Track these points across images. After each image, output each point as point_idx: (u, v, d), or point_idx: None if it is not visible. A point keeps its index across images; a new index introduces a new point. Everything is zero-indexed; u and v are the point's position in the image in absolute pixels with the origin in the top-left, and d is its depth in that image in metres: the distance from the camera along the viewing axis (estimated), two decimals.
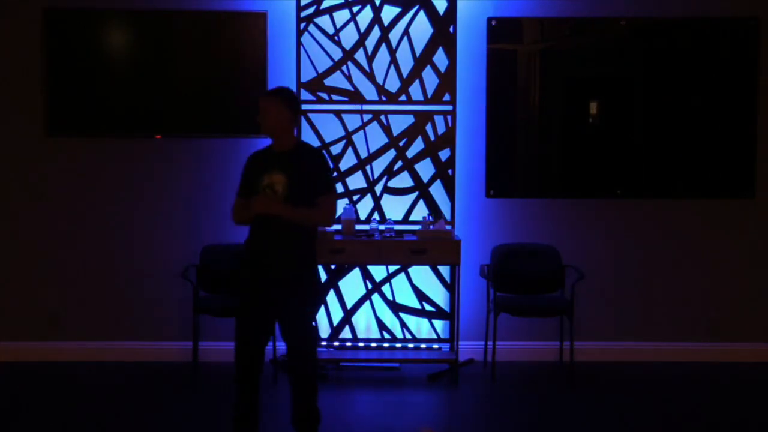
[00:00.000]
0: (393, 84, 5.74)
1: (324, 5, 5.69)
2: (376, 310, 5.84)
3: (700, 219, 5.89)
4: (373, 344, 5.82)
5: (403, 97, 5.74)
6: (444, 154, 5.77)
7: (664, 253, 5.91)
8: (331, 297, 5.81)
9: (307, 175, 4.16)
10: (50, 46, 5.68)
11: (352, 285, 5.82)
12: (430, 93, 5.74)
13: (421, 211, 5.79)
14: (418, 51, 5.73)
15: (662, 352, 5.90)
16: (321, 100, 5.73)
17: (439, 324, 5.84)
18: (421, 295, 5.83)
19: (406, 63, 5.74)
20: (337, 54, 5.73)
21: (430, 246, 5.43)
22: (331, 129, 5.77)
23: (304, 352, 4.20)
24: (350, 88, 5.73)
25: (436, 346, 5.83)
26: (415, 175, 5.80)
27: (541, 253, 5.75)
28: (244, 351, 4.18)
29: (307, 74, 5.70)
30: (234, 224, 4.32)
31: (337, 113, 5.76)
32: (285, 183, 4.11)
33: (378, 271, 5.82)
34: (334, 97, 5.73)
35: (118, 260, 5.85)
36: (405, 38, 5.73)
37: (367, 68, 5.73)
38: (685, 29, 5.77)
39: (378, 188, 5.81)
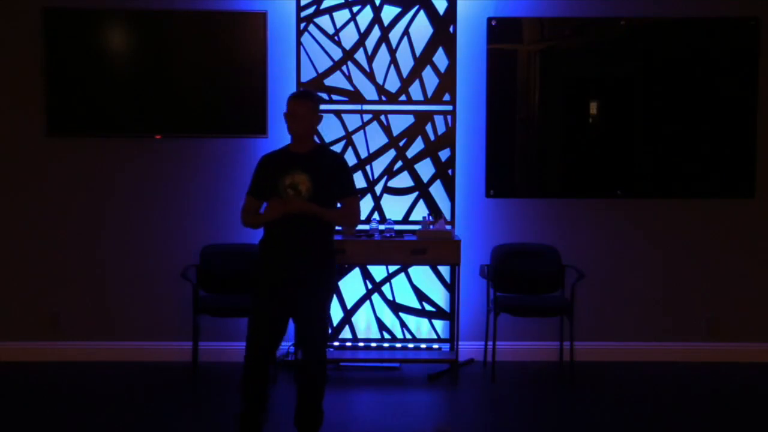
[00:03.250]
0: (393, 84, 5.74)
1: (324, 5, 5.69)
2: (376, 310, 5.84)
3: (700, 219, 5.89)
4: (373, 344, 5.82)
5: (403, 97, 5.74)
6: (444, 154, 5.77)
7: (664, 253, 5.91)
8: None
9: (329, 177, 4.21)
10: (50, 46, 5.67)
11: (352, 285, 5.82)
12: (430, 93, 5.74)
13: (421, 211, 5.79)
14: (418, 51, 5.73)
15: (662, 352, 5.91)
16: (321, 100, 5.72)
17: (439, 324, 5.84)
18: (421, 295, 5.83)
19: (406, 63, 5.74)
20: (337, 54, 5.73)
21: (430, 246, 5.43)
22: (331, 129, 5.77)
23: (317, 352, 4.22)
24: (350, 88, 5.73)
25: (436, 346, 5.83)
26: (415, 175, 5.80)
27: (541, 253, 5.75)
28: (256, 352, 4.16)
29: (307, 74, 5.71)
30: (242, 225, 4.34)
31: (337, 113, 5.76)
32: (308, 183, 4.13)
33: (378, 271, 5.82)
34: (334, 97, 5.73)
35: (118, 260, 5.85)
36: (405, 38, 5.73)
37: (367, 68, 5.73)
38: (685, 29, 5.77)
39: (378, 188, 5.81)
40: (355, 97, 5.73)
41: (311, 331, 4.19)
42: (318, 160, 4.23)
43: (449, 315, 5.80)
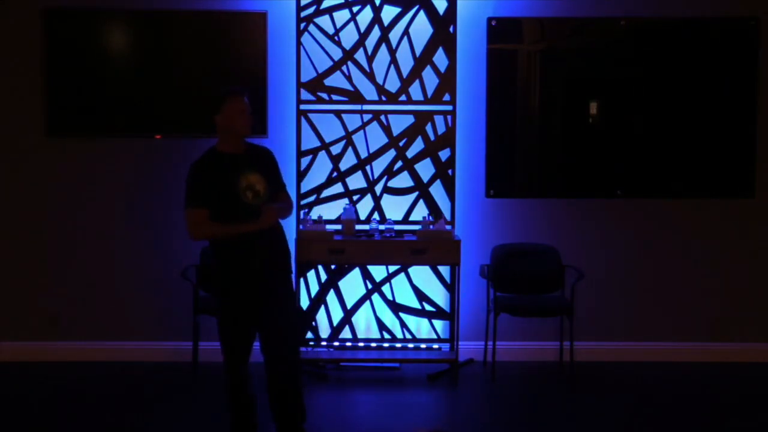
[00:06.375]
0: (393, 84, 5.74)
1: (324, 5, 5.69)
2: (376, 310, 5.84)
3: (700, 219, 5.89)
4: (373, 344, 5.82)
5: (403, 97, 5.73)
6: (444, 154, 5.77)
7: (664, 253, 5.91)
8: (331, 297, 5.81)
9: (272, 173, 4.23)
10: (50, 46, 5.67)
11: (352, 285, 5.82)
12: (430, 93, 5.74)
13: (421, 211, 5.79)
14: (418, 51, 5.72)
15: (662, 352, 5.90)
16: (321, 100, 5.72)
17: (439, 324, 5.84)
18: (421, 295, 5.83)
19: (406, 63, 5.73)
20: (337, 54, 5.73)
21: (430, 246, 5.43)
22: (331, 129, 5.77)
23: (296, 345, 4.25)
24: (350, 88, 5.73)
25: (436, 346, 5.83)
26: (415, 175, 5.80)
27: (541, 253, 5.75)
28: (240, 360, 4.15)
29: (307, 74, 5.70)
30: (194, 239, 4.17)
31: (337, 113, 5.76)
32: (264, 183, 4.10)
33: (378, 271, 5.82)
34: (334, 97, 5.73)
35: (117, 260, 5.85)
36: (405, 38, 5.73)
37: (367, 68, 5.73)
38: (685, 29, 5.77)
39: (378, 188, 5.81)
40: (355, 97, 5.73)
41: (289, 319, 4.20)
42: (259, 157, 4.20)
43: (449, 315, 5.80)
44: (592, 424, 4.79)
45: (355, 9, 5.70)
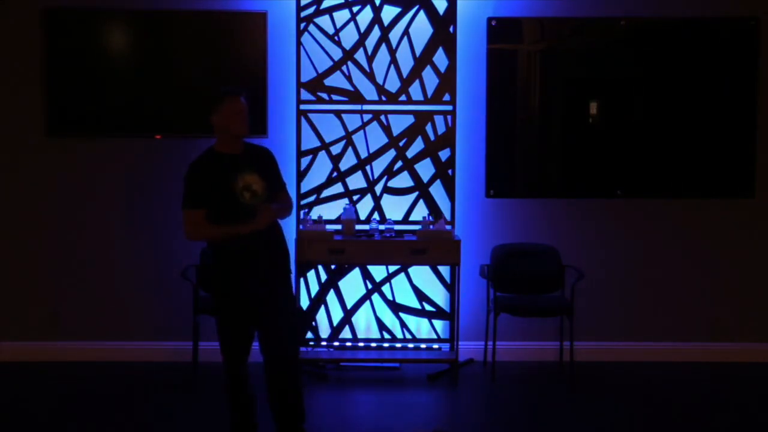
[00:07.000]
0: (393, 84, 5.74)
1: (324, 5, 5.69)
2: (376, 310, 5.84)
3: (700, 219, 5.89)
4: (373, 344, 5.82)
5: (403, 97, 5.73)
6: (444, 154, 5.77)
7: (664, 253, 5.91)
8: (331, 297, 5.81)
9: (270, 172, 4.21)
10: (50, 46, 5.67)
11: (352, 285, 5.82)
12: (430, 93, 5.74)
13: (421, 211, 5.79)
14: (418, 51, 5.72)
15: (662, 352, 5.90)
16: (321, 100, 5.73)
17: (439, 324, 5.84)
18: (421, 295, 5.83)
19: (406, 63, 5.73)
20: (337, 54, 5.73)
21: (430, 246, 5.43)
22: (331, 129, 5.77)
23: (296, 343, 4.25)
24: (350, 88, 5.73)
25: (436, 346, 5.83)
26: (415, 175, 5.80)
27: (541, 253, 5.75)
28: (239, 360, 4.15)
29: (307, 74, 5.70)
30: (191, 240, 4.21)
31: (337, 113, 5.76)
32: (261, 182, 4.09)
33: (378, 271, 5.82)
34: (334, 97, 5.73)
35: (118, 260, 5.85)
36: (405, 38, 5.73)
37: (367, 68, 5.73)
38: (685, 29, 5.77)
39: (378, 188, 5.81)
40: (355, 97, 5.73)
41: (289, 319, 4.20)
42: (257, 157, 4.19)
43: (449, 315, 5.80)
44: (592, 424, 4.80)
45: (355, 9, 5.70)
